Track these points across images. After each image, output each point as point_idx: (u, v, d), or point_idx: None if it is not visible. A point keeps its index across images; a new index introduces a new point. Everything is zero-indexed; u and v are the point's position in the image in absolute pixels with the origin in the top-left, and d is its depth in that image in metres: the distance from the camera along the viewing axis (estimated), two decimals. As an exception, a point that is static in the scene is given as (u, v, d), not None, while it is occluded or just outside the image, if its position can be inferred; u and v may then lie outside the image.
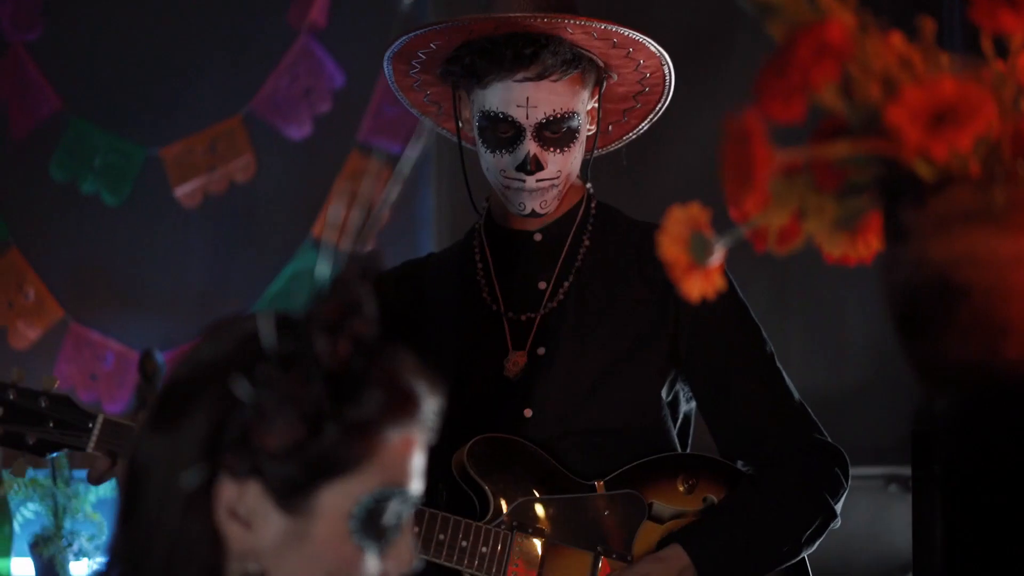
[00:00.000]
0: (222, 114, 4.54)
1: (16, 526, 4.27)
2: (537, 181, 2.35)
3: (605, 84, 2.43)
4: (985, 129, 1.01)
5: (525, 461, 2.34)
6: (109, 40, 4.53)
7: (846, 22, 1.04)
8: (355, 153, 4.50)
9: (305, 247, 4.45)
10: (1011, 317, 0.99)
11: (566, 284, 2.42)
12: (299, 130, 4.53)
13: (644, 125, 2.54)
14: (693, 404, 2.48)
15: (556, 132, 2.35)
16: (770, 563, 2.37)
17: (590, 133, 2.43)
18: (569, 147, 2.36)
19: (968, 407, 0.98)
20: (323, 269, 1.34)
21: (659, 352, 2.40)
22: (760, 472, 2.39)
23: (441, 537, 2.27)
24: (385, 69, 2.45)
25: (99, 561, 4.23)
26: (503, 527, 2.30)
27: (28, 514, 4.28)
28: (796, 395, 2.44)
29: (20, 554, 4.26)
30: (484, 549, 2.28)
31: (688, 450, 2.51)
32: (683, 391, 2.45)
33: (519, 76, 2.32)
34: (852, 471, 2.45)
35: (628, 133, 2.56)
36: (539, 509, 2.33)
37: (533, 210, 2.38)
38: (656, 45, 2.38)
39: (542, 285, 2.43)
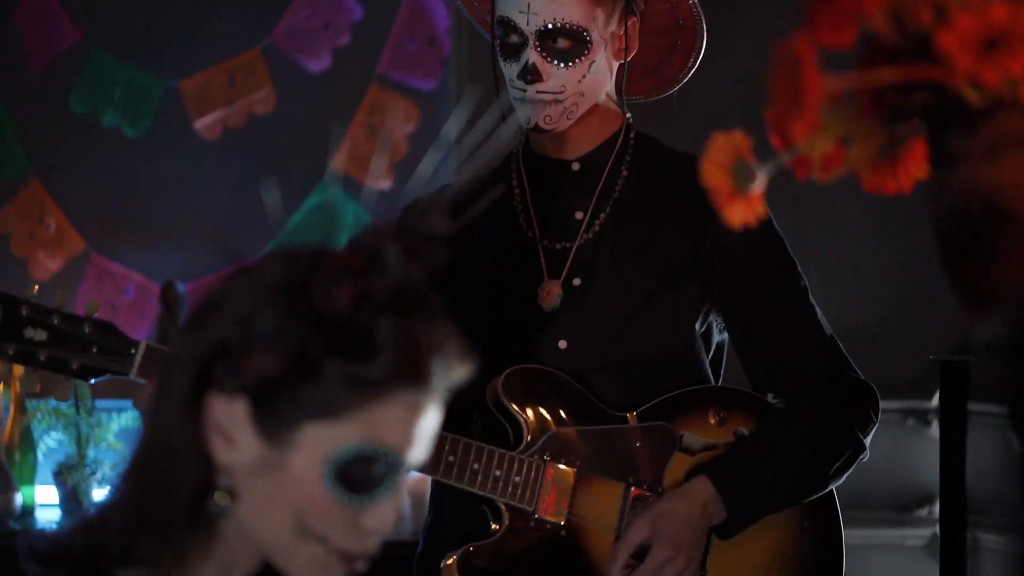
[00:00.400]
0: (241, 47, 4.53)
1: (40, 455, 4.31)
2: (537, 92, 2.33)
3: (637, 14, 2.41)
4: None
5: (558, 392, 2.35)
6: (128, -29, 4.52)
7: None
8: (374, 86, 4.49)
9: (325, 180, 4.45)
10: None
11: (603, 215, 2.42)
12: (318, 63, 4.52)
13: (691, 63, 2.50)
14: (726, 335, 2.48)
15: (559, 44, 2.33)
16: (797, 494, 2.39)
17: (618, 61, 2.42)
18: (574, 63, 2.33)
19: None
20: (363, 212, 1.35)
21: (694, 284, 2.40)
22: (790, 405, 2.40)
23: (475, 466, 2.28)
24: None
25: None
26: (536, 457, 2.32)
27: (51, 443, 4.32)
28: (828, 330, 2.44)
29: (44, 482, 4.30)
30: (517, 478, 2.29)
31: (720, 381, 2.51)
32: (716, 322, 2.45)
33: None
34: (871, 404, 2.47)
35: (677, 74, 2.52)
36: (572, 440, 2.34)
37: (537, 124, 2.36)
38: None
39: (579, 215, 2.42)
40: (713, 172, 1.20)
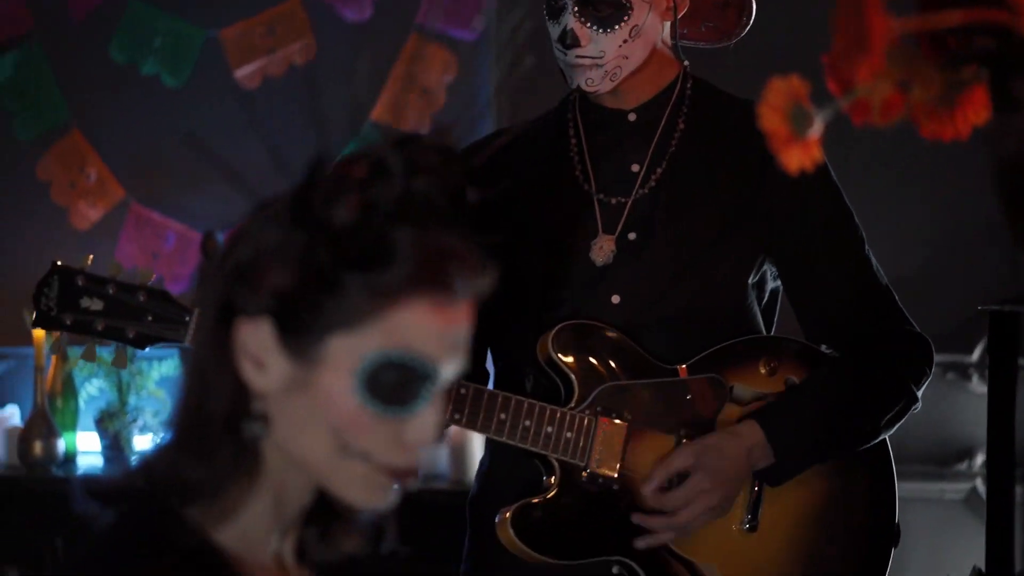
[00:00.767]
0: (282, -4, 4.52)
1: (81, 402, 4.35)
2: (577, 57, 2.32)
3: None
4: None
5: (609, 346, 2.35)
6: (168, -80, 4.52)
7: None
8: (414, 36, 4.48)
9: (364, 130, 4.45)
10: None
11: (659, 170, 2.40)
12: (358, 12, 4.51)
13: (745, 19, 2.47)
14: (779, 282, 2.47)
15: (598, 10, 2.31)
16: (848, 444, 2.38)
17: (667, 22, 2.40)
18: (614, 29, 2.31)
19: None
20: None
21: (749, 237, 2.39)
22: (843, 355, 2.39)
23: (527, 423, 2.28)
24: None
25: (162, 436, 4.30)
26: (587, 412, 2.32)
27: (93, 391, 4.35)
28: (884, 281, 2.42)
29: (86, 429, 4.34)
30: (569, 434, 2.29)
31: (773, 330, 2.50)
32: (770, 270, 2.44)
33: None
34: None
35: (732, 28, 2.49)
36: (623, 394, 2.34)
37: (579, 85, 2.35)
38: None
39: (635, 168, 2.41)
40: (770, 116, 1.20)
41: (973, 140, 1.20)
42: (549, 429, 2.29)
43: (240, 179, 1.47)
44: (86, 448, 4.35)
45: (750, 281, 2.41)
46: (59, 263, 2.26)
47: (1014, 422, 2.74)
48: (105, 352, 4.23)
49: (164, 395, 4.33)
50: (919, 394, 2.40)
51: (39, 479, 4.09)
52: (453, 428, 2.81)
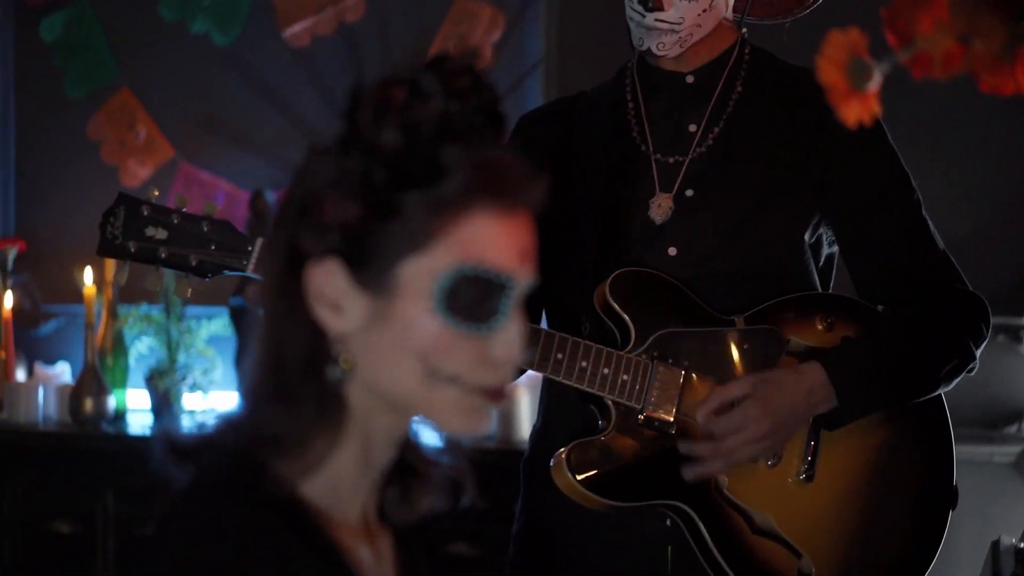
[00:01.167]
0: (330, -46, 4.52)
1: (131, 360, 4.38)
2: (656, 20, 2.33)
3: None
4: None
5: (666, 295, 2.35)
6: None
7: None
8: (463, -6, 4.47)
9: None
10: None
11: (716, 129, 2.41)
12: (407, -30, 4.50)
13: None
14: (836, 248, 2.47)
15: None
16: (907, 393, 2.37)
17: None
18: None
19: None
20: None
21: (805, 196, 2.39)
22: (901, 310, 2.39)
23: (584, 364, 2.29)
24: None
25: (211, 394, 4.34)
26: (644, 357, 2.32)
27: (143, 348, 4.38)
28: (941, 244, 2.42)
29: (135, 386, 4.37)
30: (625, 377, 2.30)
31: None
32: (826, 234, 2.44)
33: None
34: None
35: (794, 8, 2.51)
36: (679, 341, 2.34)
37: (650, 48, 2.37)
38: None
39: (692, 128, 2.42)
40: (829, 70, 1.19)
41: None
42: (606, 371, 2.30)
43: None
44: (136, 405, 4.38)
45: (807, 240, 2.41)
46: (125, 193, 2.28)
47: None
48: (155, 311, 4.28)
49: (213, 353, 4.36)
50: (977, 353, 2.39)
51: (89, 436, 4.13)
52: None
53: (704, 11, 2.35)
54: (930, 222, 2.43)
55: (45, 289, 4.58)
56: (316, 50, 4.50)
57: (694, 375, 2.33)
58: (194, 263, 2.25)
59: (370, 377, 1.37)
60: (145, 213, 2.26)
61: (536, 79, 4.46)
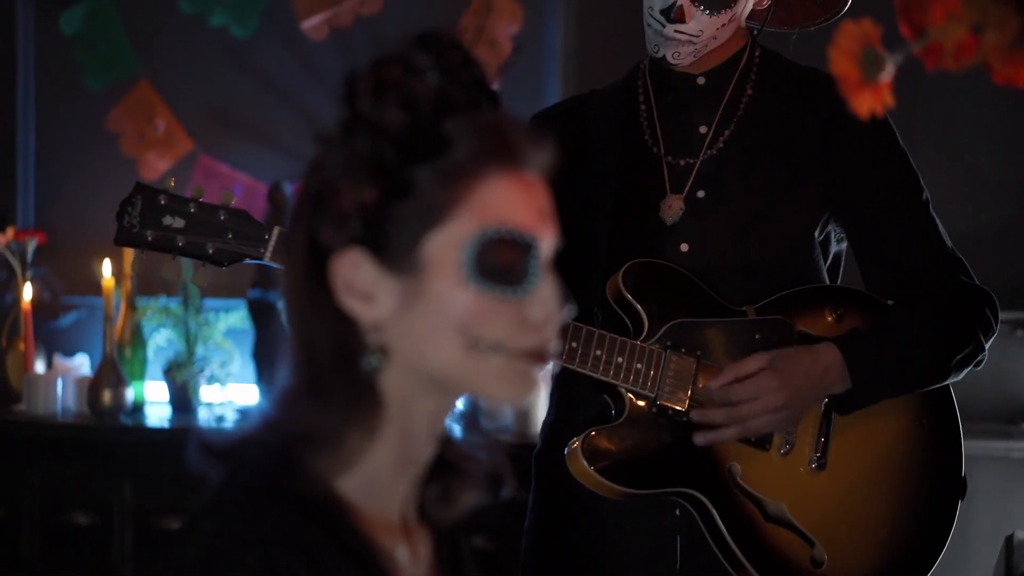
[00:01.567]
0: (348, -54, 4.52)
1: (149, 352, 4.39)
2: (676, 31, 2.35)
3: None
4: None
5: (678, 286, 2.37)
6: None
7: None
8: (482, -12, 4.46)
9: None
10: None
11: (727, 132, 2.44)
12: (425, -37, 4.50)
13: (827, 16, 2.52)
14: (844, 245, 2.50)
15: None
16: (918, 380, 2.39)
17: (760, 8, 2.44)
18: (720, 13, 2.35)
19: None
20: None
21: (816, 195, 2.41)
22: (912, 302, 2.40)
23: (598, 352, 2.30)
24: None
25: (229, 386, 4.35)
26: (657, 346, 2.33)
27: (161, 341, 4.39)
28: (949, 242, 2.45)
29: (154, 379, 4.39)
30: (639, 365, 2.32)
31: (837, 289, 2.52)
32: (835, 231, 2.47)
33: None
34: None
35: (812, 20, 2.53)
36: (692, 331, 2.35)
37: (664, 57, 2.39)
38: None
39: (703, 130, 2.44)
40: (841, 60, 1.19)
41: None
42: (620, 359, 2.31)
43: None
44: (154, 397, 4.40)
45: (816, 237, 2.43)
46: (142, 183, 2.29)
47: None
48: (173, 303, 4.30)
49: (231, 346, 4.37)
50: (986, 345, 2.41)
51: (108, 428, 4.14)
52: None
53: (724, 25, 2.37)
54: (938, 220, 2.45)
55: (64, 281, 4.60)
56: (334, 43, 4.50)
57: (706, 365, 2.34)
58: (211, 251, 2.25)
59: (412, 360, 1.36)
60: (162, 202, 2.26)
61: (555, 71, 4.46)
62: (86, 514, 4.04)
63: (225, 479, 1.37)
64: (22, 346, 4.39)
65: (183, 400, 4.28)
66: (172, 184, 2.33)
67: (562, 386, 2.48)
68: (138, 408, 4.29)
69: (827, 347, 2.34)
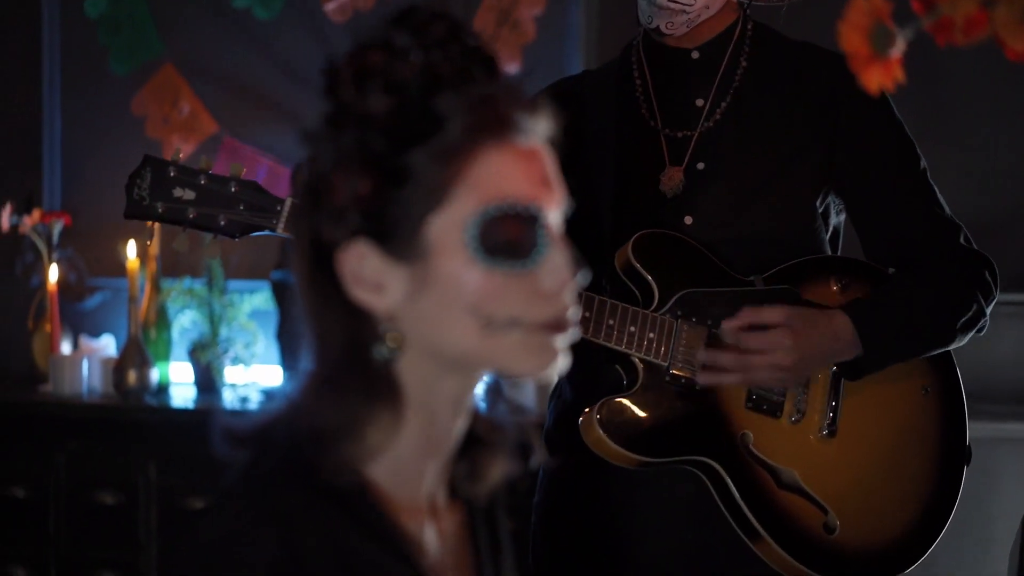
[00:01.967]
0: (372, -72, 4.52)
1: (174, 333, 4.41)
2: (669, 1, 2.37)
3: None
4: None
5: (687, 256, 2.39)
6: None
7: None
8: (505, -31, 4.46)
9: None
10: None
11: (723, 104, 2.45)
12: (448, -54, 4.49)
13: None
14: (843, 217, 2.51)
15: None
16: (925, 344, 2.41)
17: None
18: None
19: None
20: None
21: (815, 165, 2.42)
22: (914, 269, 2.43)
23: (611, 322, 2.31)
24: None
25: (253, 367, 4.37)
26: (668, 315, 2.35)
27: (186, 322, 4.41)
28: (947, 209, 2.47)
29: (178, 360, 4.41)
30: (651, 335, 2.33)
31: (837, 262, 2.54)
32: (834, 203, 2.49)
33: None
34: (999, 297, 2.46)
35: None
36: (701, 300, 2.37)
37: (658, 27, 2.40)
38: None
39: (699, 102, 2.45)
40: (851, 35, 1.19)
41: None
42: (632, 329, 2.32)
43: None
44: (179, 378, 4.42)
45: (817, 207, 2.45)
46: (151, 155, 2.27)
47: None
48: (198, 284, 4.31)
49: (255, 327, 4.39)
50: (987, 311, 2.43)
51: (133, 408, 4.16)
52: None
53: None
54: (937, 190, 2.46)
55: (90, 263, 4.62)
56: (357, 25, 4.49)
57: (717, 334, 2.35)
58: (223, 223, 2.22)
59: (428, 344, 1.35)
60: (172, 174, 2.24)
61: (577, 52, 4.46)
62: (112, 494, 4.07)
63: (248, 463, 1.36)
64: (48, 327, 4.42)
65: (208, 381, 4.31)
66: (181, 155, 2.31)
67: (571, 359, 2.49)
68: (163, 389, 4.31)
69: (839, 313, 2.35)
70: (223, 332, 4.33)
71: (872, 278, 2.44)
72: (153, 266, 4.37)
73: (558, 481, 2.50)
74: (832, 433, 2.38)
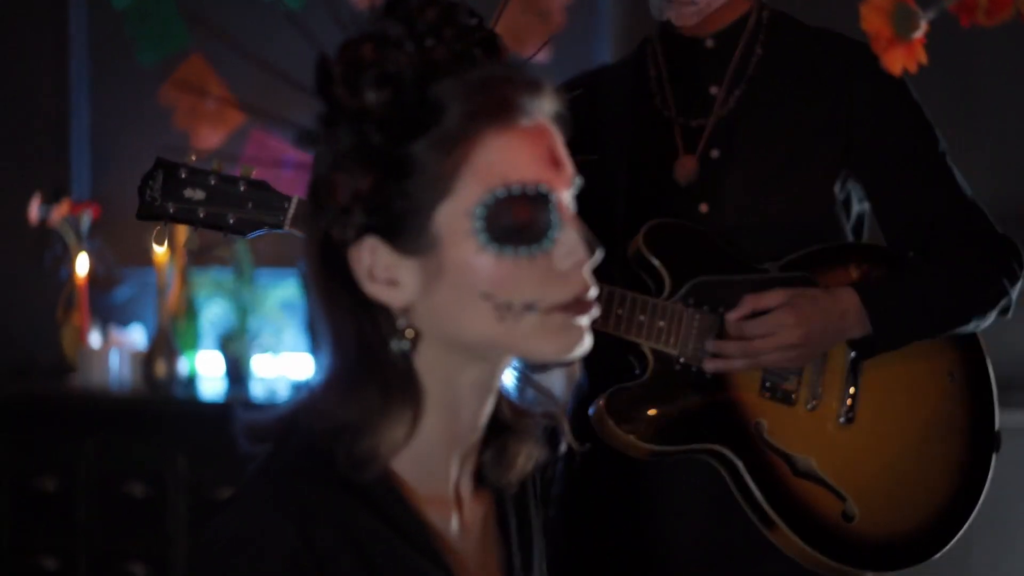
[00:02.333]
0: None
1: (203, 324, 4.41)
2: None
3: None
4: None
5: (699, 245, 2.37)
6: None
7: None
8: (533, -43, 4.44)
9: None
10: None
11: (738, 92, 2.43)
12: (476, -66, 4.47)
13: None
14: (866, 204, 2.48)
15: None
16: (940, 323, 2.37)
17: None
18: None
19: None
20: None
21: (832, 150, 2.40)
22: (934, 251, 2.40)
23: (620, 312, 2.31)
24: None
25: (282, 358, 4.37)
26: (679, 304, 2.34)
27: (214, 313, 4.41)
28: (969, 192, 2.43)
29: (207, 350, 4.41)
30: (661, 323, 2.32)
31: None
32: (855, 191, 2.46)
33: None
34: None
35: None
36: (714, 288, 2.35)
37: (669, 19, 2.41)
38: None
39: (713, 90, 2.44)
40: (872, 17, 1.16)
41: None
42: (642, 318, 2.32)
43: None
44: (207, 369, 4.42)
45: (836, 194, 2.42)
46: (162, 157, 2.31)
47: None
48: (226, 275, 4.31)
49: (284, 317, 4.38)
50: (1012, 294, 2.39)
51: (162, 399, 4.17)
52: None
53: None
54: (957, 171, 2.43)
55: (119, 253, 4.63)
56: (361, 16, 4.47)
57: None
58: (232, 221, 2.26)
59: (447, 335, 1.34)
60: (182, 175, 2.27)
61: (607, 40, 4.43)
62: (141, 485, 4.07)
63: (267, 457, 1.36)
64: (77, 318, 4.43)
65: (237, 372, 4.30)
66: (193, 157, 2.34)
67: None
68: (192, 380, 4.32)
69: (846, 291, 2.33)
70: (252, 323, 4.33)
71: (892, 264, 2.41)
72: (182, 256, 4.37)
73: (577, 471, 2.48)
74: (851, 420, 2.35)
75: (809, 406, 2.35)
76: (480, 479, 1.46)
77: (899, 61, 1.17)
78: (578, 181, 1.36)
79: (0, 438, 4.17)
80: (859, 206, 2.48)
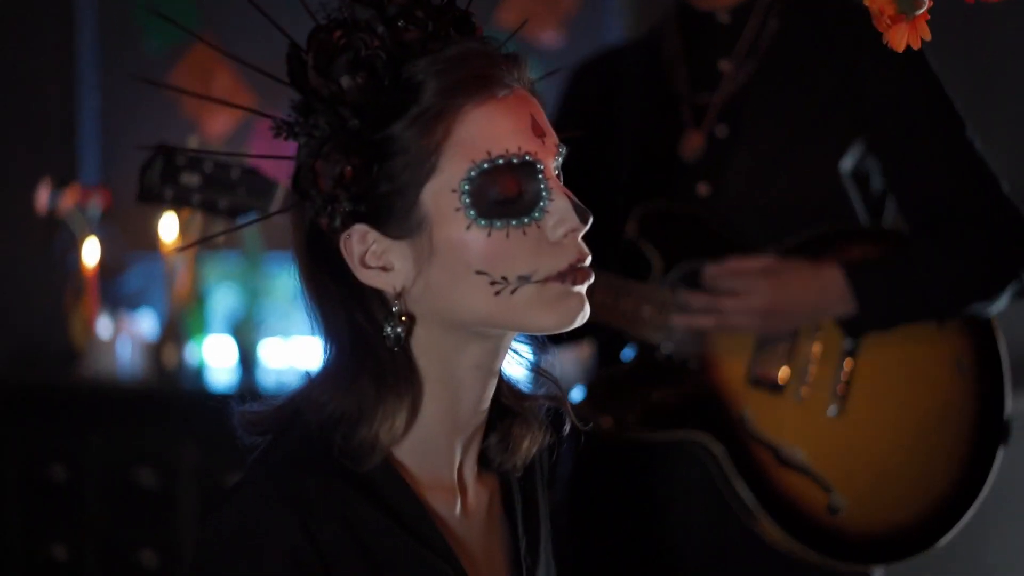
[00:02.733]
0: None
1: (212, 310, 4.40)
2: None
3: None
4: None
5: (694, 229, 2.36)
6: None
7: None
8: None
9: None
10: None
11: (751, 67, 2.41)
12: (486, -84, 4.46)
13: None
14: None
15: None
16: (940, 307, 2.32)
17: None
18: None
19: None
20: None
21: (841, 124, 2.36)
22: (943, 230, 2.33)
23: (603, 299, 2.30)
24: None
25: (290, 340, 4.36)
26: (666, 290, 2.33)
27: (223, 299, 4.40)
28: (989, 168, 2.36)
29: (216, 337, 4.40)
30: (647, 309, 2.30)
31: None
32: (874, 166, 2.40)
33: None
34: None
35: None
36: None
37: None
38: None
39: (723, 65, 2.42)
40: (875, -6, 1.13)
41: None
42: (626, 304, 2.31)
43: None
44: (217, 356, 4.41)
45: (843, 173, 2.38)
46: (162, 144, 2.37)
47: None
48: (235, 261, 4.30)
49: (293, 302, 4.37)
50: None
51: (171, 388, 4.16)
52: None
53: None
54: (977, 145, 2.35)
55: (128, 239, 4.63)
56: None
57: None
58: (223, 205, 2.31)
59: (444, 316, 1.33)
60: (180, 162, 2.32)
61: (618, 20, 4.41)
62: (150, 474, 4.06)
63: (265, 448, 1.36)
64: (86, 305, 4.42)
65: (246, 359, 4.29)
66: (193, 145, 2.40)
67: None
68: (201, 368, 4.31)
69: (830, 267, 2.29)
70: (261, 309, 4.32)
71: (896, 247, 2.36)
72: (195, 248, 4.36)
73: (583, 454, 2.46)
74: (842, 410, 2.32)
75: (797, 396, 2.32)
76: (485, 463, 1.45)
77: (902, 39, 1.15)
78: (563, 150, 1.34)
79: (9, 427, 4.17)
80: (879, 183, 2.43)
